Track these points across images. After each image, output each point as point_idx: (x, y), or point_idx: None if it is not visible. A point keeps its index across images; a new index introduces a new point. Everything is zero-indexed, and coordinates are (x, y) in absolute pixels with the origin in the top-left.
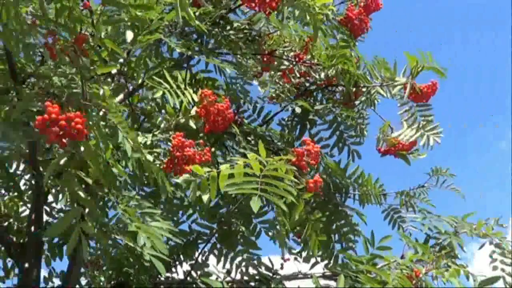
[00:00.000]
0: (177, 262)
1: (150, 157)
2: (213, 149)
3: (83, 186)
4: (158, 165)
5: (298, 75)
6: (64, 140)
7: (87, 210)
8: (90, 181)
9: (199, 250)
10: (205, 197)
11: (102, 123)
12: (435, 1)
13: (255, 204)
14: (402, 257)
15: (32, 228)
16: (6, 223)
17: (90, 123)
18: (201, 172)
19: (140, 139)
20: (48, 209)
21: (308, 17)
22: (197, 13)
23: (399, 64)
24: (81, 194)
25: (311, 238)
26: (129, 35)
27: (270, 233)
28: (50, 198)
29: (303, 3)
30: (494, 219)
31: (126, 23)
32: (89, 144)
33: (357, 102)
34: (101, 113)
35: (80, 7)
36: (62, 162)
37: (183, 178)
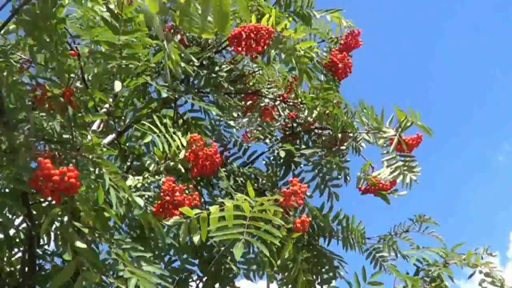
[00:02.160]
0: None
1: (140, 201)
2: (199, 188)
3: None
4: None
5: (284, 117)
6: (58, 195)
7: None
8: (86, 230)
9: None
10: (195, 239)
11: (91, 169)
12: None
13: (238, 251)
14: None
15: (25, 271)
16: None
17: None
18: (191, 213)
19: (131, 181)
20: (40, 251)
21: (294, 61)
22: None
23: (386, 109)
24: (80, 245)
25: (299, 278)
26: (117, 86)
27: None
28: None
29: (288, 46)
30: (483, 248)
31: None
32: (81, 196)
33: (343, 147)
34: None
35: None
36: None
37: (173, 220)
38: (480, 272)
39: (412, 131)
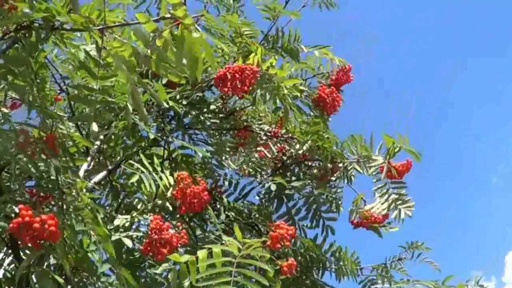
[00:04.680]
0: None
1: (129, 242)
2: (191, 224)
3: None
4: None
5: (275, 150)
6: (38, 242)
7: None
8: (60, 280)
9: None
10: (185, 284)
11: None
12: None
13: None
14: None
15: None
16: None
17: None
18: (180, 259)
19: (119, 221)
20: None
21: (278, 101)
22: (177, 95)
23: (375, 137)
24: None
25: None
26: (94, 127)
27: None
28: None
29: (272, 87)
30: (474, 280)
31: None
32: (61, 244)
33: (333, 178)
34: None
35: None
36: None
37: (162, 268)
38: None
39: (402, 157)
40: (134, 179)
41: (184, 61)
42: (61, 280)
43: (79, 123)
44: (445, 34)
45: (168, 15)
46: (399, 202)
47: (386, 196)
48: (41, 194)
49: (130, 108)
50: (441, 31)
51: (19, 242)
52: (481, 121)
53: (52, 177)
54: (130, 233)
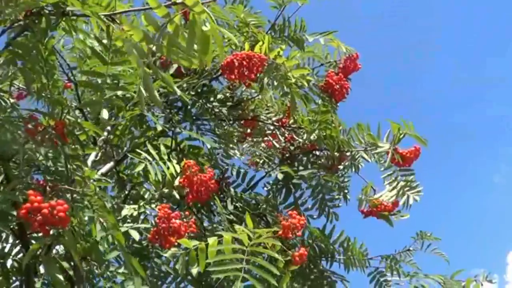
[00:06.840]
0: None
1: (136, 234)
2: (199, 215)
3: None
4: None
5: (283, 140)
6: (47, 228)
7: None
8: (66, 264)
9: None
10: (194, 271)
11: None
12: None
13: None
14: None
15: None
16: None
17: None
18: (189, 245)
19: (127, 211)
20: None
21: (285, 88)
22: (184, 84)
23: (383, 128)
24: (58, 278)
25: None
26: (105, 114)
27: None
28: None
29: (280, 75)
30: (482, 275)
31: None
32: (69, 232)
33: (341, 167)
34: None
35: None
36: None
37: (170, 252)
38: None
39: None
40: (140, 167)
41: (195, 46)
42: (68, 268)
43: (86, 113)
44: (446, 32)
45: (180, 0)
46: (407, 188)
47: (394, 184)
48: (49, 184)
49: (144, 91)
50: (442, 29)
51: (27, 232)
52: (483, 119)
53: (61, 165)
54: (138, 225)
